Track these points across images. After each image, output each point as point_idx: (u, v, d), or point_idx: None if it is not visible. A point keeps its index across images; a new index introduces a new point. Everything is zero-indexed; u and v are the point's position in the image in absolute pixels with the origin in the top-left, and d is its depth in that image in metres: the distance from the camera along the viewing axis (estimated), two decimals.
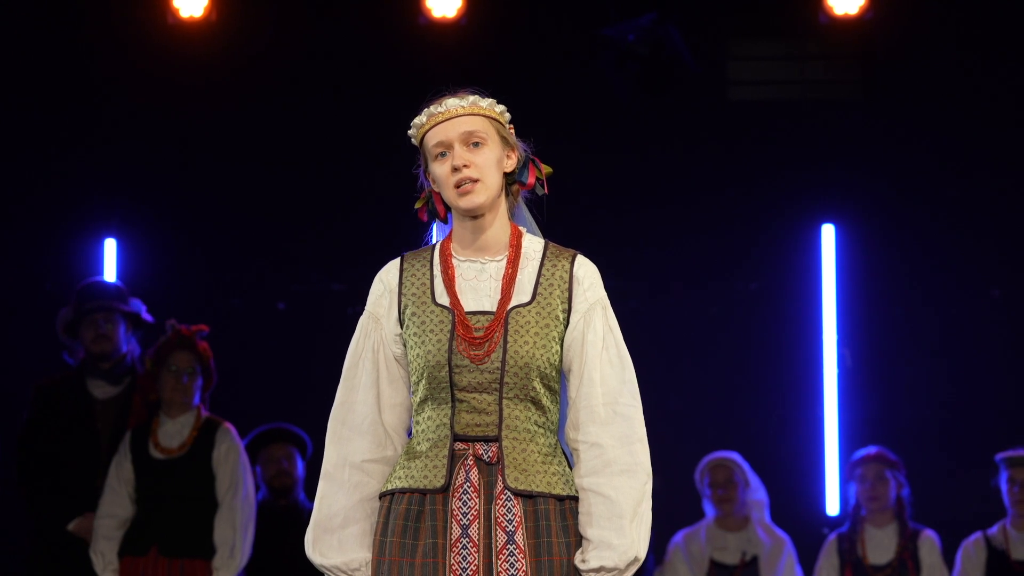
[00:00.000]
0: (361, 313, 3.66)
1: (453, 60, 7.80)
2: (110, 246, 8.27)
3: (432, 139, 3.57)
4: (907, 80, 8.20)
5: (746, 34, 8.39)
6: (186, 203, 8.22)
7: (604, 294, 3.61)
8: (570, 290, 3.58)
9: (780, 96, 8.44)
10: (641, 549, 3.50)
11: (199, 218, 8.24)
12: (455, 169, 3.54)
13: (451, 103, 3.57)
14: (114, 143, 8.16)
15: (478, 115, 3.58)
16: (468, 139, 3.56)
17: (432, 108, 3.59)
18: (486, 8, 7.95)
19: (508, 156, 3.62)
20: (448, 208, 3.64)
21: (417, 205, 3.70)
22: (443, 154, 3.57)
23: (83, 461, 6.57)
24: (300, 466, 7.25)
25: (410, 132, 3.64)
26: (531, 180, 3.65)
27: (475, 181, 3.54)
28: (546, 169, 3.68)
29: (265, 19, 8.09)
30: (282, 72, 8.15)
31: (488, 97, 3.62)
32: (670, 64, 7.83)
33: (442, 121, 3.56)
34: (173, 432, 6.47)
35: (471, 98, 3.59)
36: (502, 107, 3.63)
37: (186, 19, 7.82)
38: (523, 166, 3.65)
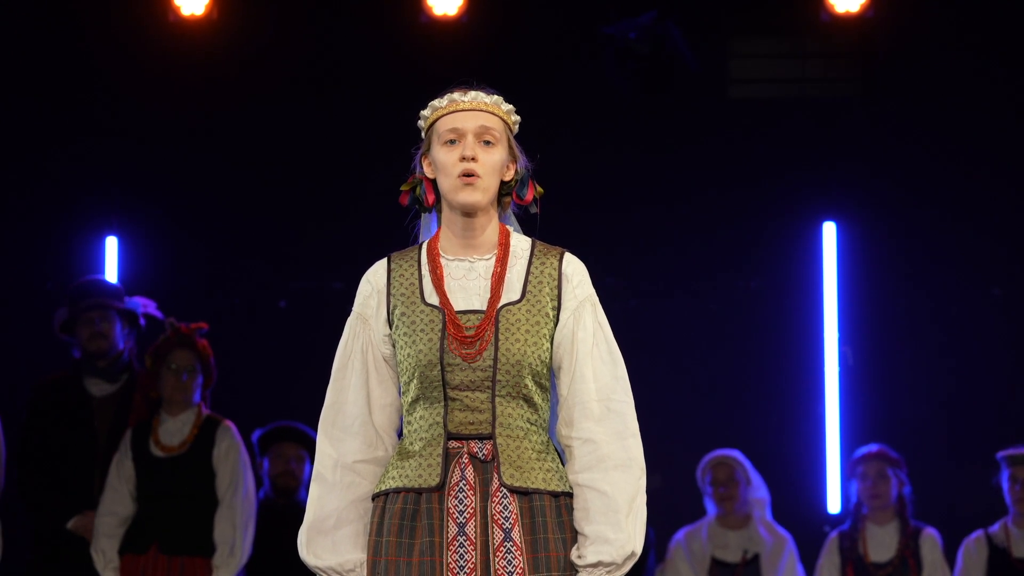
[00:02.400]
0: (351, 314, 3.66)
1: (454, 58, 7.79)
2: (111, 244, 8.27)
3: (447, 124, 3.56)
4: (908, 78, 8.20)
5: (747, 32, 8.39)
6: (187, 201, 8.22)
7: (593, 291, 3.61)
8: (559, 287, 3.58)
9: (781, 94, 8.43)
10: (638, 544, 3.49)
11: (200, 216, 8.24)
12: (463, 159, 3.54)
13: (476, 95, 3.58)
14: (115, 141, 8.16)
15: (498, 115, 3.59)
16: (483, 134, 3.56)
17: (456, 95, 3.58)
18: (487, 6, 7.95)
19: (509, 166, 3.62)
20: (437, 198, 3.63)
21: (403, 187, 3.68)
22: (453, 142, 3.56)
23: (81, 459, 6.56)
24: (307, 470, 7.25)
25: (424, 112, 3.62)
26: (529, 196, 3.66)
27: (478, 177, 3.53)
28: (538, 189, 3.68)
29: (266, 17, 8.09)
30: (283, 70, 8.15)
31: (508, 104, 3.63)
32: (671, 62, 7.83)
33: (463, 110, 3.56)
34: (174, 430, 6.47)
35: (496, 97, 3.61)
36: (517, 117, 3.64)
37: (187, 17, 7.81)
38: (523, 182, 3.65)
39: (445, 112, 3.58)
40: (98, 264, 8.21)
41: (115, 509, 6.39)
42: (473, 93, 3.58)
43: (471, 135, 3.55)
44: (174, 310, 6.85)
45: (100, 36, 8.01)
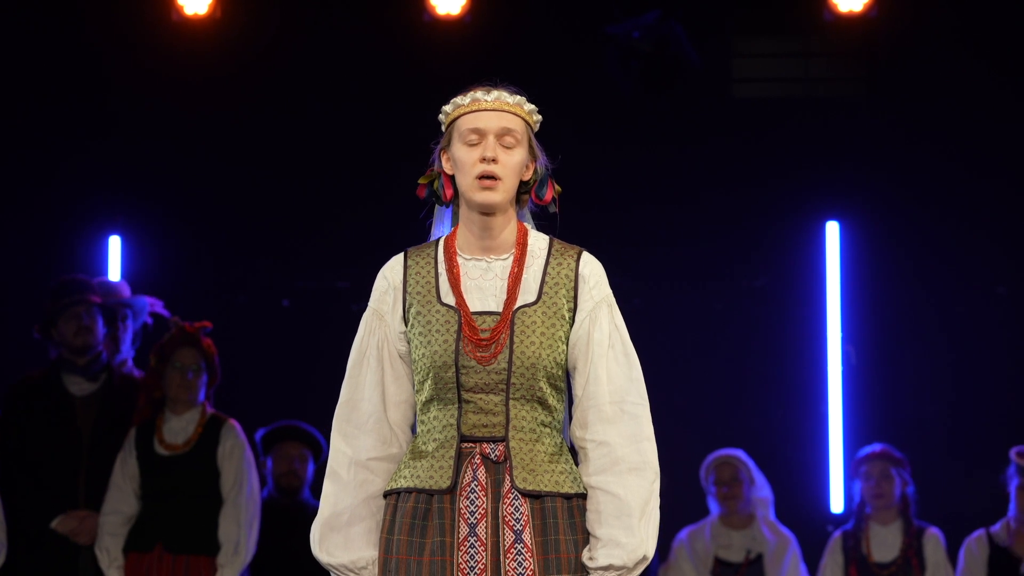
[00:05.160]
0: (365, 310, 3.66)
1: (457, 57, 7.79)
2: (114, 243, 8.27)
3: (468, 123, 3.55)
4: (911, 77, 8.20)
5: (750, 31, 8.39)
6: (190, 200, 8.22)
7: (610, 291, 3.60)
8: (576, 288, 3.57)
9: (784, 93, 8.44)
10: (650, 547, 3.50)
11: (203, 215, 8.24)
12: (483, 160, 3.53)
13: (499, 95, 3.57)
14: (118, 140, 8.16)
15: (520, 116, 3.58)
16: (504, 135, 3.55)
17: (479, 94, 3.57)
18: (490, 5, 7.95)
19: (528, 165, 3.62)
20: (455, 192, 3.62)
21: (421, 180, 3.67)
22: (474, 141, 3.55)
23: (63, 458, 6.50)
24: (311, 469, 7.26)
25: (446, 108, 3.61)
26: (548, 196, 3.65)
27: (498, 179, 3.53)
28: (556, 188, 3.68)
29: (269, 16, 8.09)
30: (286, 69, 8.15)
31: (531, 103, 3.61)
32: (674, 61, 7.84)
33: (485, 109, 3.55)
34: (178, 429, 6.47)
35: (518, 97, 3.59)
36: (539, 116, 3.63)
37: (191, 16, 7.82)
38: (542, 181, 3.64)
39: (467, 111, 3.56)
40: (101, 263, 8.21)
41: (119, 508, 6.39)
42: (496, 93, 3.57)
43: (492, 136, 3.54)
44: (177, 309, 6.84)
45: (104, 35, 8.01)
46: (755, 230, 8.29)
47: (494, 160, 3.52)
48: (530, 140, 3.60)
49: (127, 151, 8.16)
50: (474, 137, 3.55)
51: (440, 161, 3.63)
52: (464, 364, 3.49)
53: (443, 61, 7.77)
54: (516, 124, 3.56)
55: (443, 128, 3.63)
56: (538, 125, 3.63)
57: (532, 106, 3.61)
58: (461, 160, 3.55)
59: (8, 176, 8.15)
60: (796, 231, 8.33)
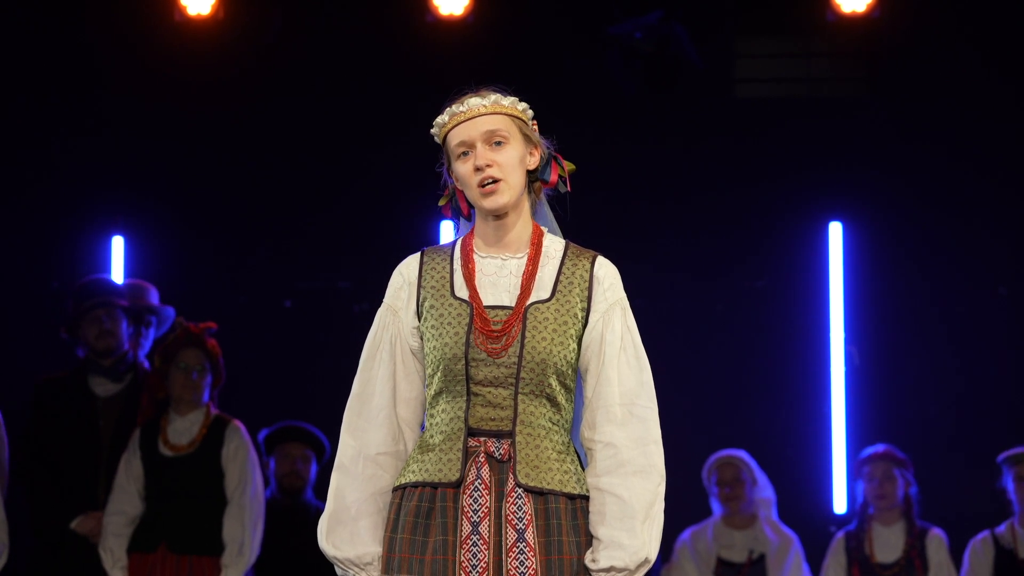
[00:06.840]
0: (370, 309, 3.67)
1: (460, 58, 7.80)
2: (117, 244, 8.28)
3: (454, 138, 3.58)
4: (914, 78, 8.20)
5: (753, 31, 8.39)
6: (193, 201, 8.22)
7: (624, 295, 3.63)
8: (590, 289, 3.59)
9: (787, 94, 8.44)
10: (652, 550, 3.50)
11: (206, 216, 8.25)
12: (478, 169, 3.54)
13: (473, 102, 3.58)
14: (121, 141, 8.16)
15: (500, 114, 3.58)
16: (490, 138, 3.56)
17: (454, 107, 3.59)
18: (493, 6, 7.95)
19: (531, 154, 3.63)
20: (471, 205, 3.64)
21: (441, 203, 3.71)
22: (465, 153, 3.57)
23: (85, 459, 6.53)
24: (313, 470, 7.26)
25: (432, 131, 3.64)
26: (553, 178, 3.66)
27: (498, 181, 3.55)
28: (569, 166, 3.69)
29: (272, 16, 8.09)
30: (289, 69, 8.15)
31: (511, 95, 3.62)
32: (676, 62, 7.84)
33: (464, 120, 3.57)
34: (182, 429, 6.48)
35: (493, 96, 3.59)
36: (524, 104, 3.64)
37: (193, 16, 7.82)
38: (545, 164, 3.66)
39: (449, 127, 3.59)
40: (104, 264, 8.21)
41: (123, 508, 6.39)
42: (470, 101, 3.59)
43: (480, 143, 3.56)
44: (180, 309, 6.85)
45: (106, 35, 8.02)
46: (757, 230, 8.29)
47: (488, 165, 3.54)
48: (523, 130, 3.61)
49: (129, 151, 8.16)
50: (464, 149, 3.57)
51: (451, 179, 3.66)
52: (474, 356, 3.50)
53: (446, 62, 7.77)
54: (499, 123, 3.57)
55: (442, 148, 3.66)
56: (528, 111, 3.63)
57: (511, 99, 3.62)
58: (461, 175, 3.59)
59: (10, 176, 8.16)
60: (799, 231, 8.34)
